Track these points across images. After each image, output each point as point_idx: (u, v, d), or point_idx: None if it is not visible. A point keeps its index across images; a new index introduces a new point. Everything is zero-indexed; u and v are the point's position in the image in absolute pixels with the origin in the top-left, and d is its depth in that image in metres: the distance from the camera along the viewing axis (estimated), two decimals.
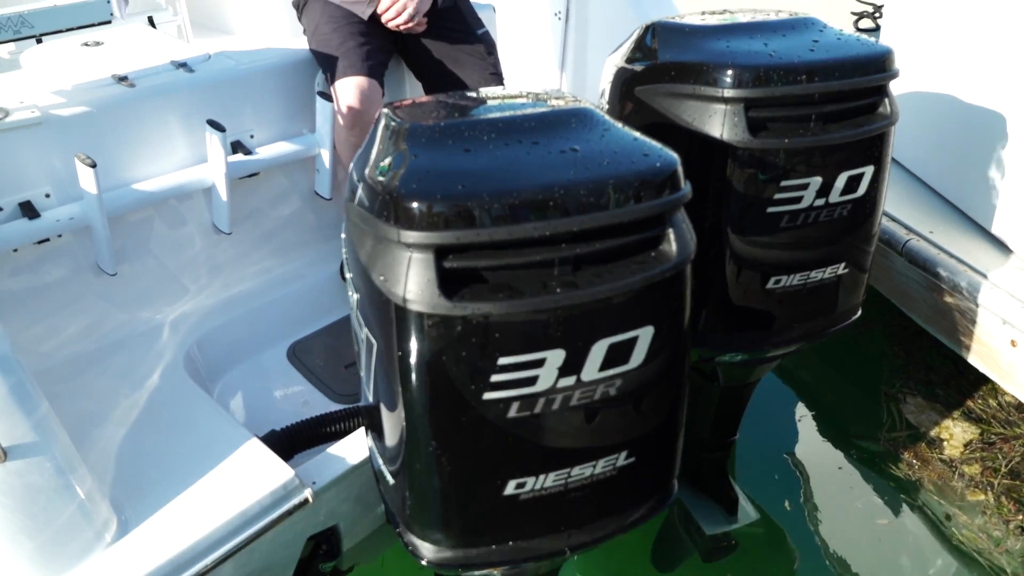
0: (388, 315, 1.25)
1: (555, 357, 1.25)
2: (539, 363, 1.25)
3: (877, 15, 4.87)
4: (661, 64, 1.94)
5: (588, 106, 1.46)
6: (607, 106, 2.11)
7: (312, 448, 1.67)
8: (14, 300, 2.09)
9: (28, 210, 2.02)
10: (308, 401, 2.20)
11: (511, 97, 1.54)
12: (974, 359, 2.57)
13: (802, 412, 3.13)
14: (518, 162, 1.28)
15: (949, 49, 2.84)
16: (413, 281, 1.22)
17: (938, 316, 2.65)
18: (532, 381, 1.25)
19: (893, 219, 2.80)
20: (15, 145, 2.00)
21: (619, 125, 1.43)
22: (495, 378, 1.24)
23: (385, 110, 1.49)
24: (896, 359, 3.17)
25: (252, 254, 2.47)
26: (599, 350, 1.27)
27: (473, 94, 1.59)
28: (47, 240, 2.06)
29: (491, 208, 1.19)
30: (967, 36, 2.77)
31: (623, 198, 1.26)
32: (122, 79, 2.19)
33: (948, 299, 2.55)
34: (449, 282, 1.22)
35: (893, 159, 3.15)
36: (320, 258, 2.54)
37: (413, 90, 2.68)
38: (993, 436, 2.79)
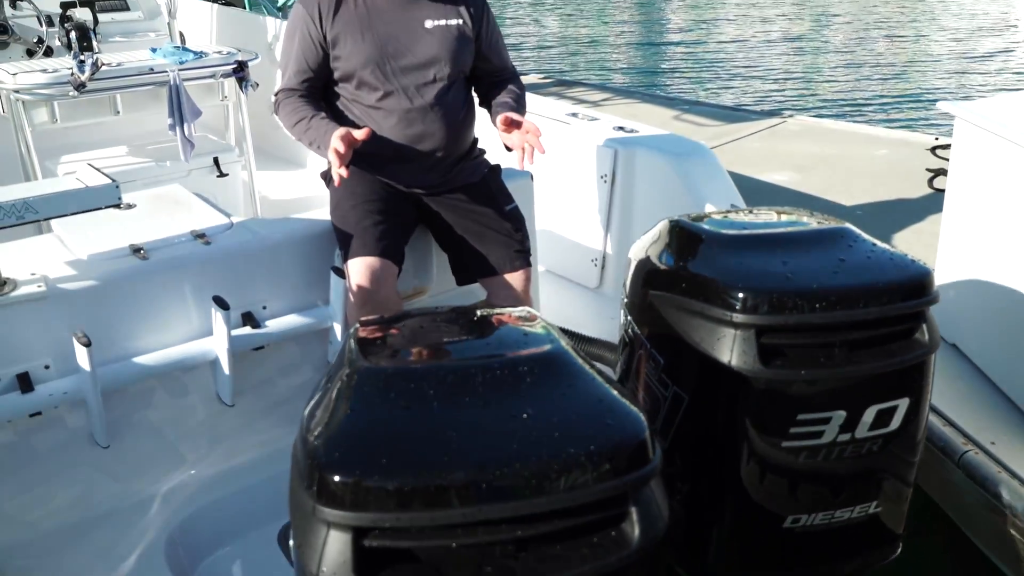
0: None
1: None
2: None
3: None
4: (674, 272, 1.82)
5: (560, 348, 1.33)
6: (626, 300, 1.99)
7: None
8: (4, 469, 2.05)
9: (24, 383, 2.00)
10: None
11: (484, 329, 1.44)
12: None
13: None
14: (459, 426, 1.16)
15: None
16: (328, 558, 1.09)
17: (1001, 543, 2.35)
18: None
19: (950, 423, 2.54)
20: (18, 318, 2.00)
21: (591, 373, 1.30)
22: None
23: (352, 331, 1.40)
24: None
25: (255, 424, 2.40)
26: None
27: (453, 318, 1.50)
28: (39, 413, 2.04)
29: (415, 489, 1.07)
30: None
31: (574, 478, 1.12)
32: (137, 250, 2.20)
33: (1011, 528, 2.26)
34: (369, 563, 1.09)
35: (954, 346, 2.95)
36: None
37: (440, 261, 2.61)
38: None
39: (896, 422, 1.73)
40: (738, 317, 1.63)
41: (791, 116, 6.38)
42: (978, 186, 2.83)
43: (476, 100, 2.57)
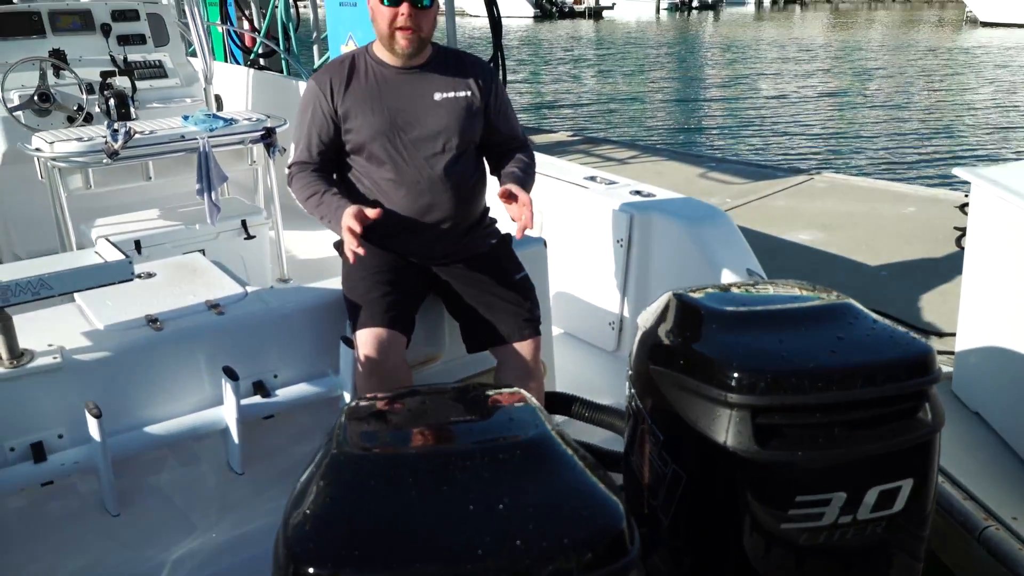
0: None
1: None
2: None
3: None
4: (673, 348, 1.82)
5: (542, 434, 1.34)
6: (630, 371, 1.99)
7: None
8: (15, 537, 2.09)
9: (37, 452, 2.05)
10: None
11: (471, 412, 1.45)
12: None
13: None
14: (434, 517, 1.16)
15: None
16: None
17: None
18: None
19: (971, 496, 2.48)
20: (34, 388, 2.06)
21: (572, 459, 1.30)
22: None
23: (343, 411, 1.43)
24: None
25: (266, 492, 2.41)
26: None
27: (443, 399, 1.51)
28: (51, 483, 2.08)
29: None
30: None
31: (547, 572, 1.12)
32: (152, 321, 2.25)
33: None
34: None
35: (977, 414, 2.89)
36: None
37: (452, 329, 2.64)
38: None
39: (900, 503, 1.69)
40: (733, 397, 1.62)
41: (818, 173, 6.37)
42: (997, 253, 2.80)
43: (488, 169, 2.62)
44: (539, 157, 4.05)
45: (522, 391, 1.53)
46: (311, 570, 1.10)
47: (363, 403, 1.47)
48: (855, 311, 1.83)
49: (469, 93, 2.43)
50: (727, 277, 3.05)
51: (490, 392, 1.54)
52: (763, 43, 29.33)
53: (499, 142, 2.55)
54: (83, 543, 2.17)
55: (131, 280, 2.05)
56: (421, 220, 2.42)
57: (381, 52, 2.38)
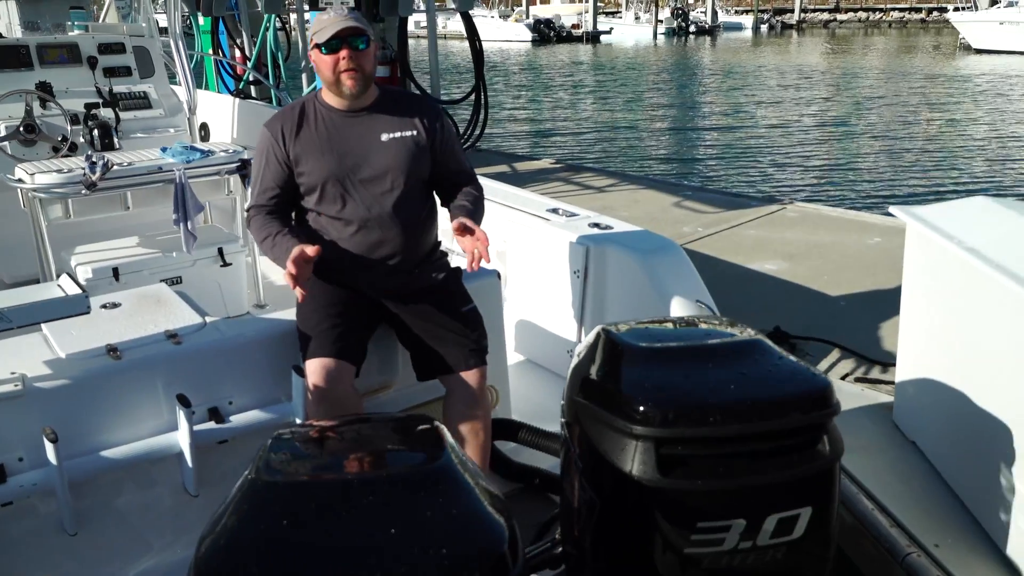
0: None
1: None
2: None
3: None
4: (592, 381, 1.93)
5: (444, 464, 1.45)
6: (563, 401, 2.09)
7: None
8: None
9: None
10: None
11: (384, 441, 1.57)
12: None
13: None
14: (327, 543, 1.27)
15: (973, 326, 2.70)
16: None
17: None
18: None
19: (897, 523, 2.58)
20: None
21: (470, 487, 1.41)
22: None
23: (267, 441, 1.54)
24: None
25: None
26: None
27: (362, 430, 1.63)
28: (11, 503, 2.19)
29: None
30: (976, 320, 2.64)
31: None
32: (112, 350, 2.37)
33: None
34: None
35: (914, 443, 2.99)
36: None
37: (404, 358, 2.74)
38: None
39: (799, 530, 1.80)
40: (637, 429, 1.73)
41: (790, 203, 6.50)
42: (929, 290, 2.91)
43: (438, 204, 2.74)
44: (506, 188, 4.22)
45: (436, 422, 1.64)
46: None
47: (285, 432, 1.58)
48: (763, 348, 1.94)
49: (415, 132, 2.56)
50: (677, 307, 3.17)
51: (405, 423, 1.66)
52: (759, 69, 29.64)
53: (446, 175, 2.67)
54: (43, 561, 2.27)
55: (87, 313, 2.17)
56: (371, 256, 2.54)
57: (329, 97, 2.52)
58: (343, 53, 2.41)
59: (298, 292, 2.32)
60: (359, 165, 2.49)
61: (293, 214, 2.62)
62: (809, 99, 20.69)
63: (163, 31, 5.74)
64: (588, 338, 2.10)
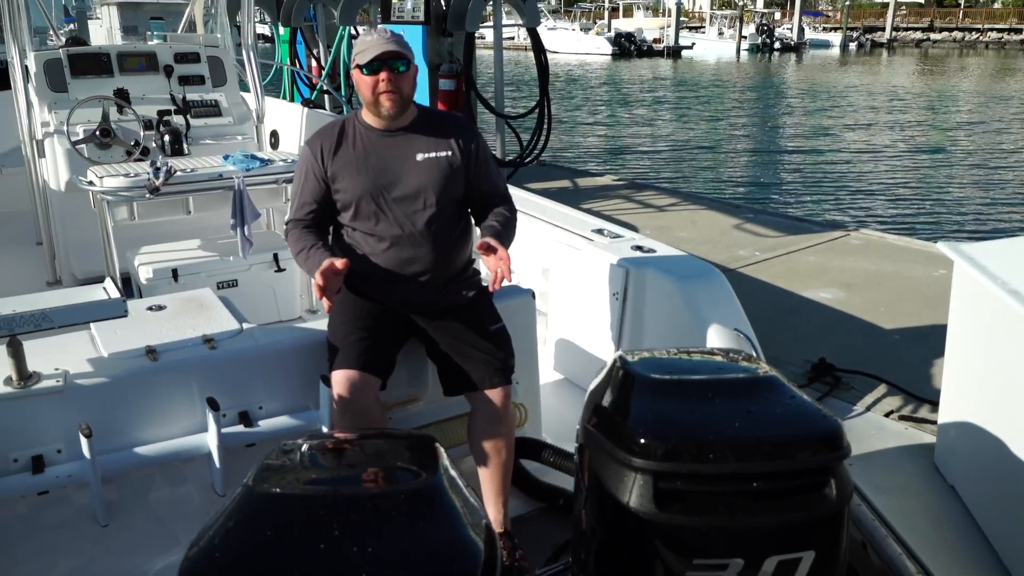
0: None
1: None
2: None
3: None
4: (601, 409, 1.93)
5: (432, 485, 1.48)
6: (578, 426, 2.10)
7: None
8: (14, 538, 2.33)
9: (37, 464, 2.28)
10: None
11: (379, 459, 1.61)
12: None
13: None
14: (305, 559, 1.31)
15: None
16: None
17: None
18: None
19: (925, 570, 2.50)
20: (38, 407, 2.30)
21: (456, 510, 1.43)
22: None
23: (270, 451, 1.60)
24: None
25: None
26: None
27: (358, 447, 1.68)
28: (47, 492, 2.31)
29: None
30: None
31: None
32: (151, 351, 2.48)
33: None
34: None
35: (952, 488, 2.89)
36: None
37: (434, 372, 2.77)
38: None
39: (801, 574, 1.77)
40: (637, 461, 1.73)
41: (855, 230, 6.34)
42: (976, 330, 2.82)
43: (472, 223, 2.78)
44: (554, 207, 4.24)
45: (437, 443, 1.67)
46: None
47: (289, 443, 1.64)
48: (776, 385, 1.91)
49: (450, 153, 2.61)
50: (714, 335, 3.14)
51: (407, 442, 1.70)
52: (844, 89, 28.94)
53: (480, 196, 2.71)
54: (74, 549, 2.39)
55: (124, 317, 2.28)
56: (402, 272, 2.59)
57: (368, 117, 2.59)
58: (383, 75, 2.48)
59: (325, 303, 2.39)
60: (393, 184, 2.56)
61: (330, 228, 2.69)
62: (896, 122, 20.10)
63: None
64: (608, 365, 2.11)
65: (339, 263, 2.35)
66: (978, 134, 18.20)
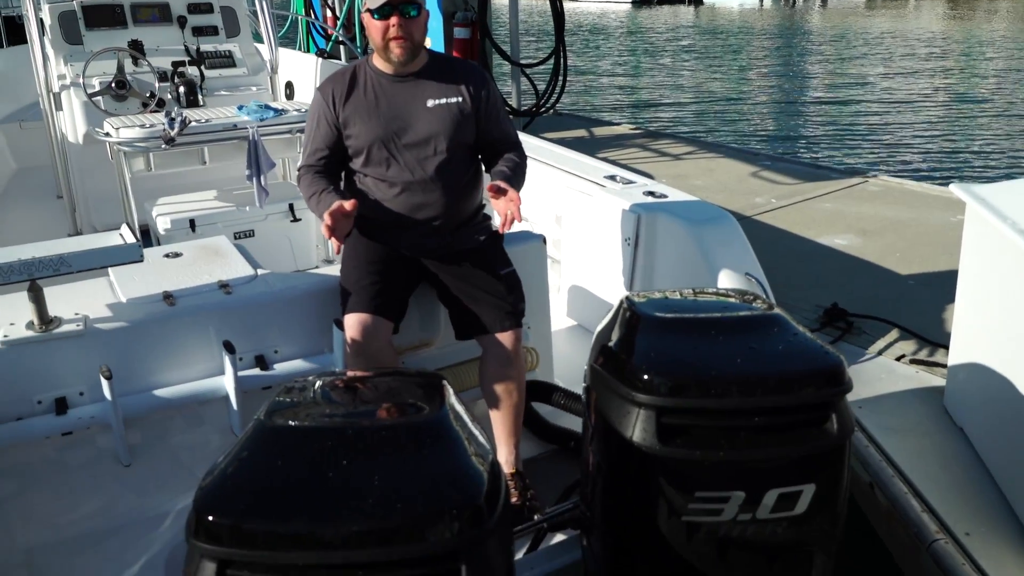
0: None
1: None
2: None
3: None
4: (607, 348, 1.96)
5: (438, 417, 1.52)
6: (586, 366, 2.13)
7: None
8: (41, 478, 2.42)
9: (60, 405, 2.36)
10: None
11: (388, 395, 1.65)
12: None
13: None
14: (319, 482, 1.37)
15: None
16: None
17: None
18: None
19: (929, 509, 2.54)
20: (60, 350, 2.37)
21: (459, 439, 1.47)
22: None
23: (279, 388, 1.65)
24: None
25: None
26: None
27: (373, 383, 1.73)
28: (71, 433, 2.39)
29: (265, 532, 1.30)
30: None
31: (407, 535, 1.31)
32: (167, 296, 2.54)
33: None
34: None
35: (961, 430, 2.91)
36: None
37: (446, 317, 2.80)
38: None
39: (801, 507, 1.80)
40: (640, 397, 1.77)
41: (874, 176, 6.27)
42: (987, 273, 2.81)
43: (483, 169, 2.79)
44: (568, 154, 4.23)
45: (445, 382, 1.71)
46: (210, 518, 1.32)
47: (299, 381, 1.68)
48: (779, 323, 1.93)
49: (460, 99, 2.61)
50: (725, 279, 3.16)
51: (415, 379, 1.74)
52: (870, 36, 28.25)
53: (491, 142, 2.71)
54: (98, 488, 2.47)
55: (140, 261, 2.33)
56: (413, 217, 2.62)
57: (379, 62, 2.59)
58: (393, 20, 2.47)
59: (334, 243, 2.41)
60: (404, 129, 2.57)
61: (342, 174, 2.71)
62: (922, 69, 19.66)
63: None
64: (614, 307, 2.14)
65: (348, 205, 2.37)
66: (1007, 81, 17.78)
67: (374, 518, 1.32)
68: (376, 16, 2.48)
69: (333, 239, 2.38)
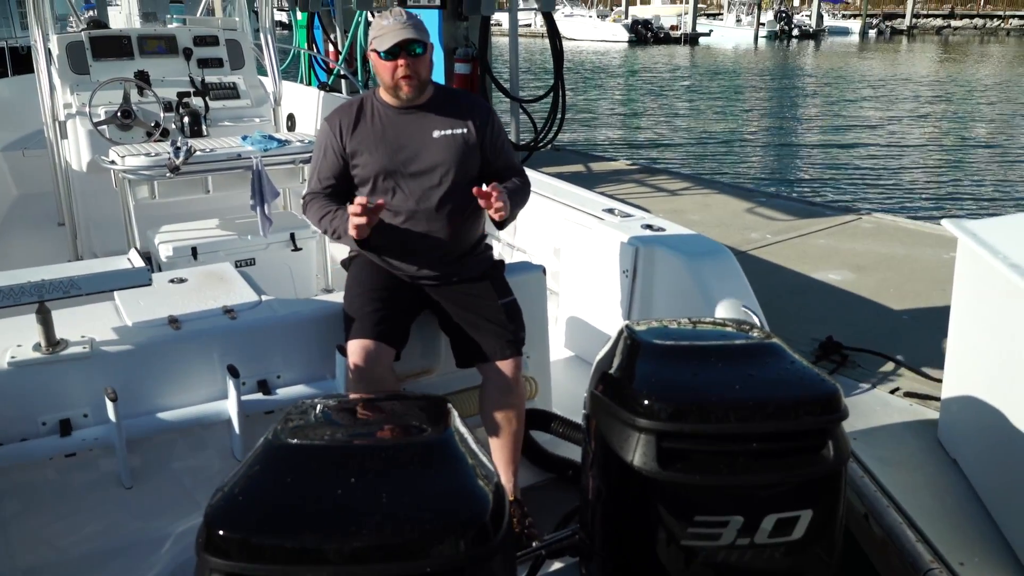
0: None
1: None
2: None
3: None
4: (609, 375, 2.00)
5: (444, 438, 1.55)
6: (586, 393, 2.17)
7: None
8: (44, 499, 2.43)
9: (64, 427, 2.38)
10: None
11: (394, 417, 1.69)
12: None
13: None
14: (327, 500, 1.39)
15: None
16: None
17: None
18: None
19: (924, 539, 2.56)
20: (65, 372, 2.39)
21: (464, 460, 1.51)
22: None
23: (288, 409, 1.68)
24: None
25: None
26: None
27: (380, 405, 1.76)
28: (74, 454, 2.40)
29: (272, 547, 1.32)
30: None
31: (413, 552, 1.33)
32: (173, 320, 2.57)
33: None
34: None
35: (955, 462, 2.94)
36: None
37: (446, 345, 2.84)
38: None
39: (799, 532, 1.83)
40: (641, 422, 1.80)
41: (867, 214, 6.36)
42: (979, 307, 2.86)
43: None
44: (566, 187, 4.30)
45: (449, 405, 1.74)
46: (220, 532, 1.35)
47: (308, 402, 1.72)
48: (776, 351, 1.97)
49: (465, 131, 2.67)
50: (722, 312, 3.20)
51: (420, 403, 1.78)
52: (862, 77, 28.71)
53: (495, 172, 2.76)
54: (100, 510, 2.48)
55: (148, 285, 2.36)
56: (416, 245, 2.66)
57: (386, 96, 2.65)
58: (401, 60, 2.54)
59: (357, 230, 2.44)
60: (410, 159, 2.62)
61: (346, 204, 2.76)
62: (915, 110, 19.95)
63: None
64: (614, 335, 2.18)
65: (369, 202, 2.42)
66: (998, 122, 18.05)
67: (381, 534, 1.34)
68: (384, 56, 2.54)
69: (361, 223, 2.42)
